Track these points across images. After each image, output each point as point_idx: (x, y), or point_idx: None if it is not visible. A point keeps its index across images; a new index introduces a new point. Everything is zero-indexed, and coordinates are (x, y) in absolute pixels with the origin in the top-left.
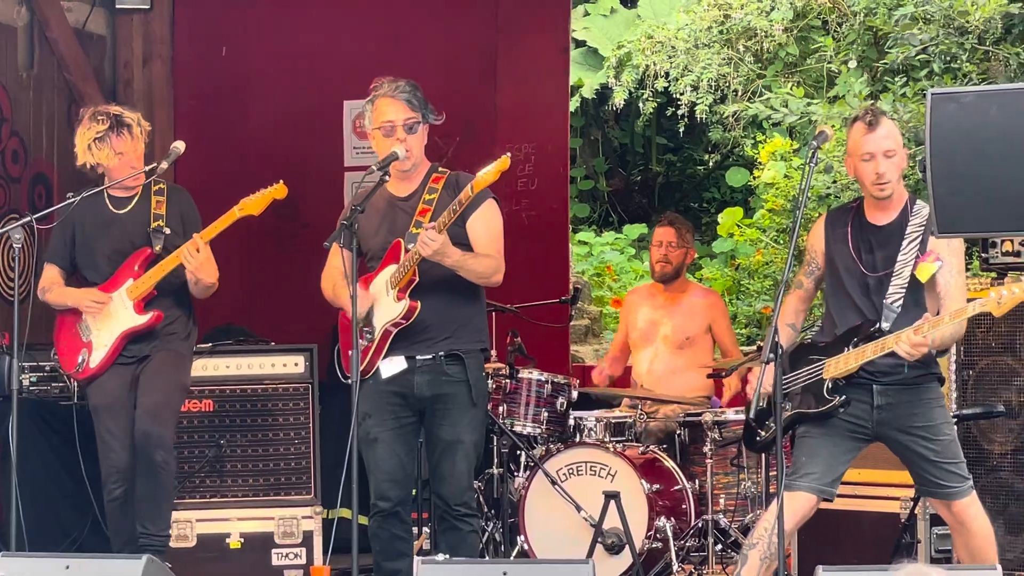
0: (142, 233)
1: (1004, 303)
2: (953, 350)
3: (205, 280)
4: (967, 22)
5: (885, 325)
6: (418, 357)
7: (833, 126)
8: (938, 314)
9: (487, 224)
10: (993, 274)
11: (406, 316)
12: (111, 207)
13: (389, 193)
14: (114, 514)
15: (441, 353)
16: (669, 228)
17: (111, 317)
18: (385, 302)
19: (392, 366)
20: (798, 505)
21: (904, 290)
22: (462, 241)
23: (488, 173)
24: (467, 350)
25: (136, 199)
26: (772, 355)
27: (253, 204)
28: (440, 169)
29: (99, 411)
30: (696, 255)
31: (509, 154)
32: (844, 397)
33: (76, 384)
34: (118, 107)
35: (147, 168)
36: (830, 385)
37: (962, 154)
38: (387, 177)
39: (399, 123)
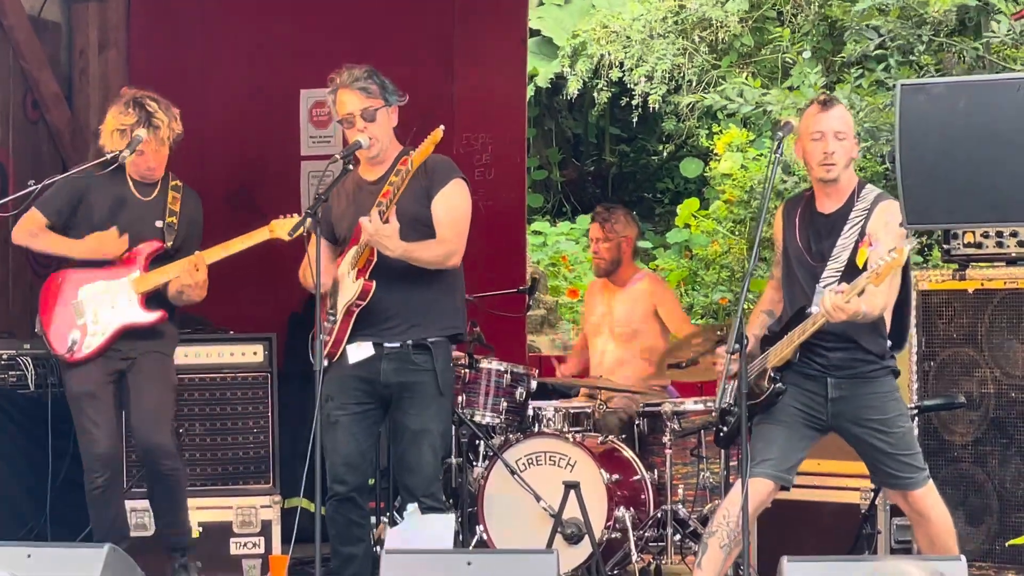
0: (151, 223)
1: (881, 272)
2: (914, 341)
3: (194, 298)
4: (925, 13)
5: (813, 309)
6: (386, 344)
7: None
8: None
9: (449, 204)
10: (955, 265)
11: (361, 297)
12: (134, 191)
13: (359, 177)
14: (96, 504)
15: (409, 342)
16: (594, 224)
17: (113, 305)
18: (346, 283)
19: (360, 351)
20: (756, 491)
21: (839, 274)
22: (425, 221)
23: (423, 148)
24: (435, 339)
25: (157, 189)
26: (737, 345)
27: (284, 227)
28: (410, 152)
29: (81, 399)
30: (646, 242)
31: (442, 127)
32: (780, 385)
33: (36, 372)
34: (154, 102)
35: (109, 155)
36: (771, 374)
37: (931, 145)
38: (350, 167)
39: (357, 113)
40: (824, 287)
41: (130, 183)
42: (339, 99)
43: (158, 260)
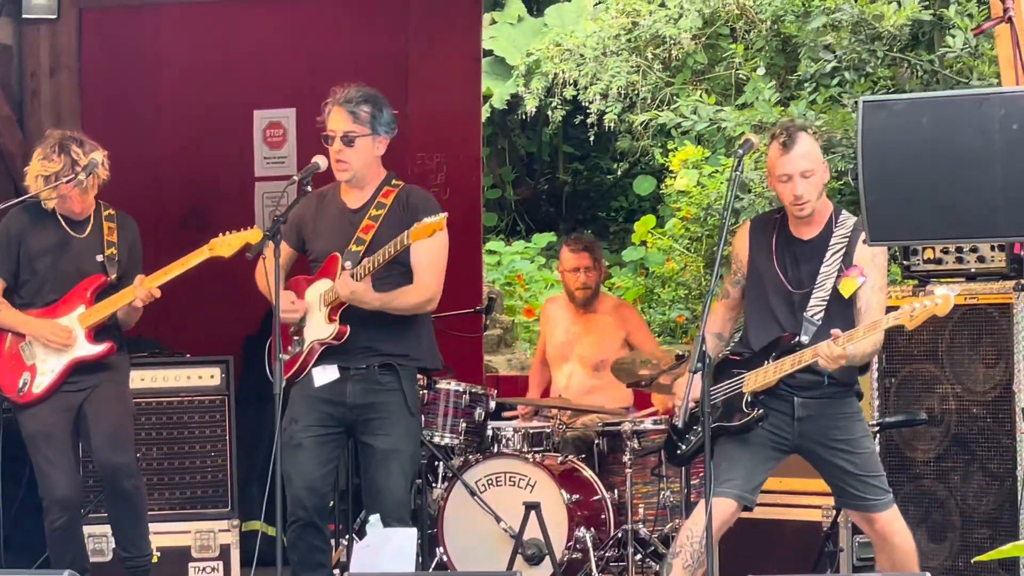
0: (91, 259)
1: (917, 316)
2: (875, 357)
3: (136, 319)
4: (881, 26)
5: (805, 339)
6: (352, 368)
7: (743, 132)
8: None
9: (429, 250)
10: (914, 281)
11: (336, 339)
12: (68, 229)
13: (340, 200)
14: (56, 544)
15: (376, 364)
16: (584, 253)
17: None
18: (316, 318)
19: (325, 375)
20: (719, 511)
21: (825, 303)
22: (401, 260)
23: (424, 227)
24: (401, 364)
25: (91, 223)
26: (700, 364)
27: (224, 245)
28: (394, 182)
29: (36, 439)
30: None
31: (446, 214)
32: (762, 411)
33: None
34: (79, 148)
35: (66, 179)
36: (748, 399)
37: (893, 162)
38: (308, 188)
39: (338, 134)
40: (812, 316)
41: (63, 223)
42: (329, 114)
43: (102, 292)
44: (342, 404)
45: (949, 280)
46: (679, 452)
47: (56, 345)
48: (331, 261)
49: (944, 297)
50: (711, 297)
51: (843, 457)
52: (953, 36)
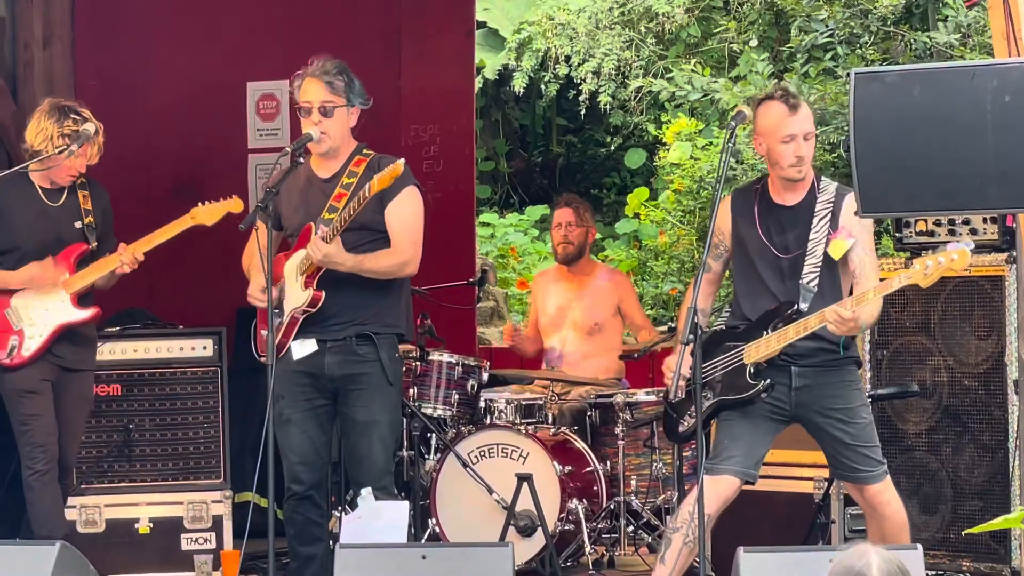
0: (69, 227)
1: (931, 273)
2: (867, 329)
3: (113, 283)
4: (873, 8)
5: (803, 306)
6: (329, 340)
7: (736, 105)
8: (851, 293)
9: (403, 213)
10: (907, 253)
11: (311, 305)
12: (44, 198)
13: (311, 171)
14: (32, 490)
15: (352, 335)
16: (567, 209)
17: (47, 308)
18: (294, 287)
19: (303, 348)
20: (721, 488)
21: (819, 269)
22: (376, 227)
23: (384, 176)
24: (379, 332)
25: (66, 192)
26: (692, 336)
27: (207, 214)
28: (364, 151)
29: (19, 396)
30: (597, 234)
31: (403, 160)
32: (768, 381)
33: None
34: (86, 110)
35: (58, 150)
36: (752, 370)
37: (886, 134)
38: (301, 160)
39: (315, 105)
40: (807, 283)
41: (40, 192)
42: (303, 86)
43: (83, 260)
44: (322, 376)
45: None
46: (680, 430)
47: (48, 283)
48: (306, 232)
49: (960, 252)
50: (703, 269)
51: (839, 427)
52: (945, 17)
